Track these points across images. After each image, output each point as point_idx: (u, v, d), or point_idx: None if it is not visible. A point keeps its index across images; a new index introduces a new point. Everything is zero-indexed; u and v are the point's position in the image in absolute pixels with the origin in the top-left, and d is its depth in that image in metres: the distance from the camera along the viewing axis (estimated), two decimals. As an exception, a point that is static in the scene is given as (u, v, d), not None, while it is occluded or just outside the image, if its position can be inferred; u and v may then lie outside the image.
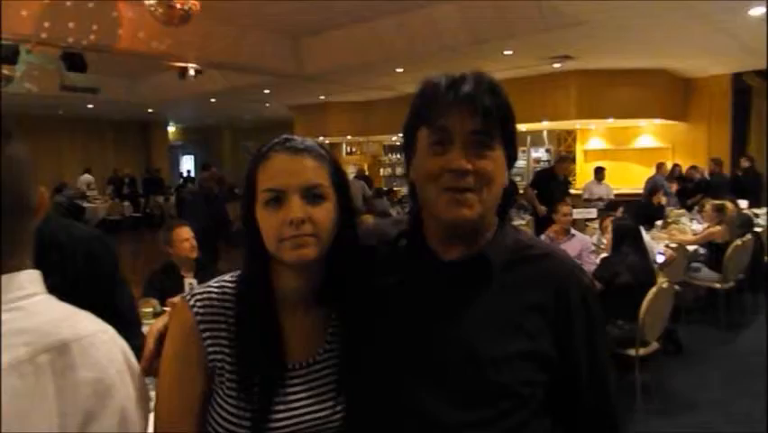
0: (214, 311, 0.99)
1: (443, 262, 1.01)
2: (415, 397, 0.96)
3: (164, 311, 2.78)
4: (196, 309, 0.98)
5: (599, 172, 9.60)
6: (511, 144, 0.99)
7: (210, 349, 0.97)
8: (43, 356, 0.75)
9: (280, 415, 0.97)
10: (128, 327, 1.03)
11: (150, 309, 2.97)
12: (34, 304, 0.78)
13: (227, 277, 1.05)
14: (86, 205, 13.45)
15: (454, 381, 0.96)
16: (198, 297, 1.00)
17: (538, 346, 0.97)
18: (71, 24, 6.47)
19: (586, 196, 9.12)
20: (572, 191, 8.88)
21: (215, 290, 1.02)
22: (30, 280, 0.80)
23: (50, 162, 15.21)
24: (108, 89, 10.77)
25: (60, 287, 0.88)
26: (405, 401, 0.97)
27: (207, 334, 0.98)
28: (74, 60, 7.68)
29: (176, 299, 1.04)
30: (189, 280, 3.42)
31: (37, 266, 0.85)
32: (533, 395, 0.97)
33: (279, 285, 1.01)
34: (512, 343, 0.96)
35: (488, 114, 0.93)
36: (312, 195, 0.96)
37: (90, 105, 13.16)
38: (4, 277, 0.75)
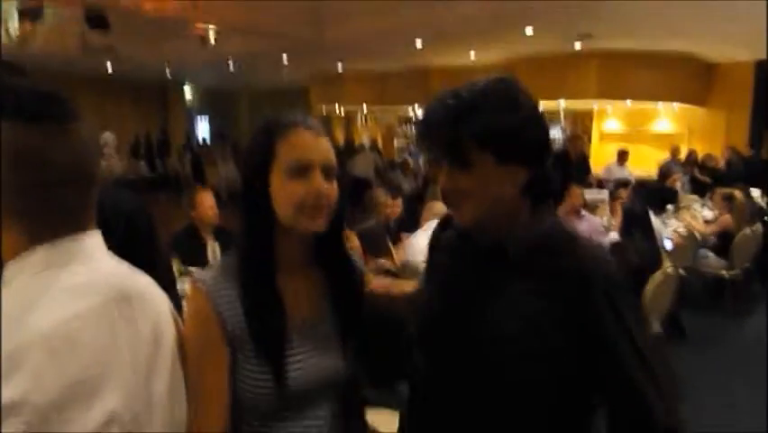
0: (222, 286, 1.07)
1: (473, 247, 1.12)
2: (437, 372, 1.11)
3: (189, 271, 2.90)
4: (207, 291, 1.06)
5: (623, 156, 9.43)
6: (513, 154, 1.03)
7: (229, 321, 1.06)
8: (115, 304, 0.86)
9: (295, 367, 1.08)
10: (165, 284, 1.13)
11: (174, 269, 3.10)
12: (101, 261, 0.89)
13: (225, 257, 1.17)
14: (102, 163, 13.58)
15: (465, 361, 1.07)
16: (206, 279, 1.09)
17: (560, 339, 1.00)
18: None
19: (604, 177, 9.05)
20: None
21: (219, 268, 1.12)
22: (96, 240, 0.90)
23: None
24: (128, 49, 10.81)
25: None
26: (428, 373, 1.12)
27: (224, 308, 1.06)
28: (97, 20, 7.72)
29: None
30: (212, 244, 3.56)
31: None
32: (555, 386, 1.01)
33: (282, 250, 1.11)
34: (536, 335, 1.01)
35: (450, 147, 1.04)
36: (328, 173, 1.09)
37: (109, 66, 13.19)
38: (76, 237, 0.86)
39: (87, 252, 0.87)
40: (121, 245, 0.97)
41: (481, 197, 1.04)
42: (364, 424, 1.34)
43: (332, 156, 1.11)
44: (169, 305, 1.02)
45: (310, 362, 1.11)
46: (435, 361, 1.13)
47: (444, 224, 1.28)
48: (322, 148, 1.09)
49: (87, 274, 0.85)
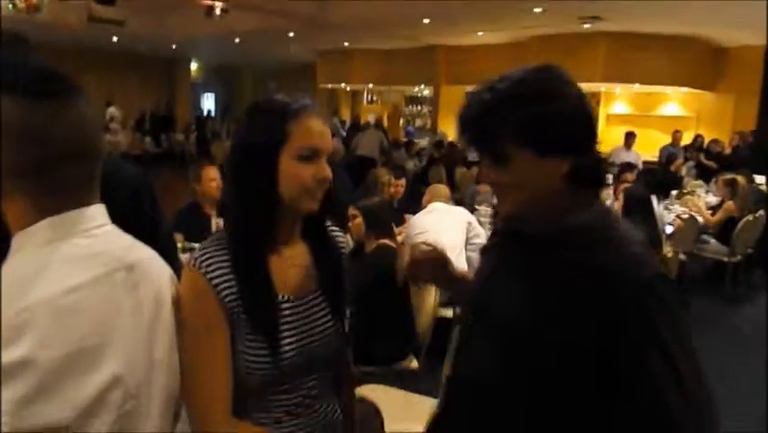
0: (217, 265, 1.09)
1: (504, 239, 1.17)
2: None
3: (192, 247, 2.94)
4: (203, 270, 1.08)
5: (629, 138, 9.17)
6: (551, 146, 1.00)
7: (227, 298, 1.08)
8: (118, 274, 0.91)
9: (289, 340, 1.13)
10: (166, 254, 1.14)
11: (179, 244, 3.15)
12: (105, 233, 0.93)
13: (216, 234, 1.18)
14: (108, 138, 13.58)
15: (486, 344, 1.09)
16: (200, 258, 1.10)
17: (579, 336, 0.95)
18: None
19: (611, 160, 8.97)
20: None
21: (211, 246, 1.13)
22: (99, 213, 0.93)
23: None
24: (135, 23, 10.75)
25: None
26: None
27: (221, 286, 1.08)
28: (103, -7, 7.69)
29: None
30: (215, 220, 3.61)
31: None
32: (577, 385, 0.96)
33: (276, 226, 1.16)
34: (556, 330, 0.97)
35: (486, 138, 1.04)
36: (328, 158, 1.15)
37: (115, 39, 13.14)
38: (80, 210, 0.89)
39: (91, 224, 0.90)
40: (123, 216, 1.00)
41: (520, 190, 1.03)
42: (353, 393, 1.43)
43: (332, 143, 1.18)
44: (171, 275, 1.06)
45: (303, 334, 1.16)
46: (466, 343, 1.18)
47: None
48: (327, 136, 1.15)
49: (91, 246, 0.89)
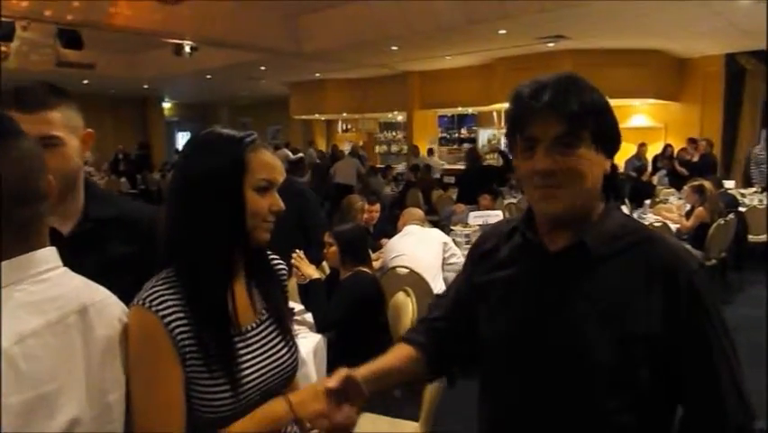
0: (169, 303, 1.05)
1: (548, 254, 1.10)
2: (524, 385, 1.09)
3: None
4: (154, 308, 1.04)
5: None
6: (605, 138, 1.05)
7: (180, 337, 1.05)
8: (71, 318, 0.90)
9: (249, 371, 1.12)
10: None
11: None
12: (57, 276, 0.92)
13: (161, 274, 1.11)
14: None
15: (562, 367, 1.05)
16: (149, 297, 1.06)
17: (646, 328, 1.00)
18: (66, 2, 6.48)
19: None
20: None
21: (159, 285, 1.08)
22: (50, 256, 0.92)
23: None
24: (104, 65, 10.78)
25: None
26: (514, 389, 1.11)
27: (173, 325, 1.04)
28: (70, 37, 7.70)
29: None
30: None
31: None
32: (641, 378, 1.01)
33: (233, 258, 1.15)
34: (619, 325, 1.01)
35: (569, 118, 1.01)
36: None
37: (86, 81, 13.12)
38: (30, 254, 0.88)
39: (43, 267, 0.89)
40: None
41: (589, 177, 1.03)
42: None
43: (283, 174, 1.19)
44: (126, 313, 1.03)
45: (262, 363, 1.15)
46: (526, 378, 1.10)
47: (481, 242, 1.28)
48: (280, 168, 1.17)
49: (44, 291, 0.88)
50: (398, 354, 1.25)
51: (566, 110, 1.00)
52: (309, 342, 2.57)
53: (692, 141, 9.58)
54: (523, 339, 1.10)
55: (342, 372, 1.13)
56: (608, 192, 1.10)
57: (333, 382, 1.11)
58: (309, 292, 2.92)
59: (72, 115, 1.37)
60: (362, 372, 1.14)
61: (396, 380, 1.24)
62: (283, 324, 1.24)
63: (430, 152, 13.22)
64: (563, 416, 1.05)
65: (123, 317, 1.02)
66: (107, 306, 0.99)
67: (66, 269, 0.95)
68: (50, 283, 0.89)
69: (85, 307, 0.92)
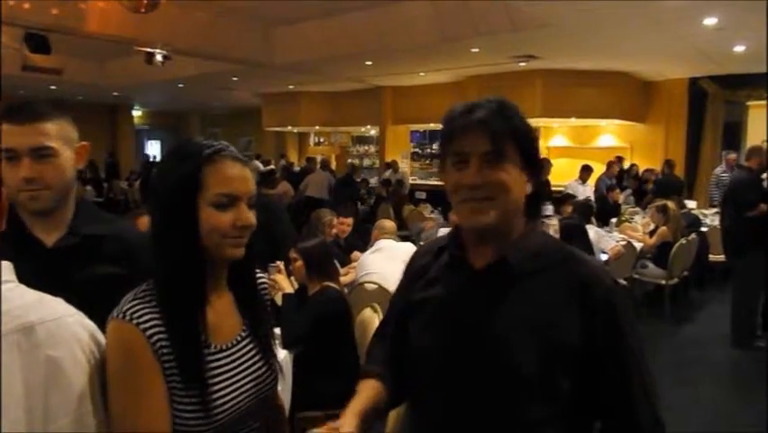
0: (149, 316, 1.04)
1: (474, 271, 1.14)
2: (449, 402, 1.11)
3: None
4: (135, 321, 1.02)
5: (585, 171, 9.19)
6: (528, 159, 1.11)
7: (161, 351, 1.03)
8: (12, 336, 0.86)
9: (223, 391, 1.10)
10: None
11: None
12: (9, 290, 0.89)
13: (141, 287, 1.10)
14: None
15: (487, 382, 1.07)
16: (129, 309, 1.04)
17: (567, 340, 1.05)
18: (36, 5, 6.36)
19: (568, 192, 9.00)
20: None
21: (138, 298, 1.07)
22: (3, 271, 0.90)
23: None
24: (73, 71, 10.58)
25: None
26: (439, 407, 1.13)
27: (154, 338, 1.03)
28: (38, 42, 7.55)
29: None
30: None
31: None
32: (563, 389, 1.05)
33: (205, 274, 1.12)
34: (543, 338, 1.05)
35: (498, 136, 1.07)
36: (250, 202, 1.12)
37: (53, 87, 12.86)
38: None
39: None
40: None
41: (508, 194, 1.08)
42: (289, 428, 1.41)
43: (254, 186, 1.13)
44: (92, 332, 1.00)
45: (238, 380, 1.13)
46: (451, 394, 1.12)
47: (416, 259, 1.30)
48: (246, 179, 1.11)
49: None
50: (370, 393, 1.23)
51: (495, 128, 1.07)
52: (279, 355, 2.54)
53: (648, 170, 9.82)
54: (448, 355, 1.12)
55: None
56: (528, 212, 1.15)
57: None
58: (281, 307, 2.89)
59: (67, 127, 1.37)
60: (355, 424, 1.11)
61: (374, 419, 1.23)
62: (264, 340, 1.21)
63: (393, 164, 12.91)
64: (488, 430, 1.08)
65: (83, 337, 0.97)
66: (63, 325, 0.93)
67: (18, 285, 0.91)
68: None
69: (32, 325, 0.88)
